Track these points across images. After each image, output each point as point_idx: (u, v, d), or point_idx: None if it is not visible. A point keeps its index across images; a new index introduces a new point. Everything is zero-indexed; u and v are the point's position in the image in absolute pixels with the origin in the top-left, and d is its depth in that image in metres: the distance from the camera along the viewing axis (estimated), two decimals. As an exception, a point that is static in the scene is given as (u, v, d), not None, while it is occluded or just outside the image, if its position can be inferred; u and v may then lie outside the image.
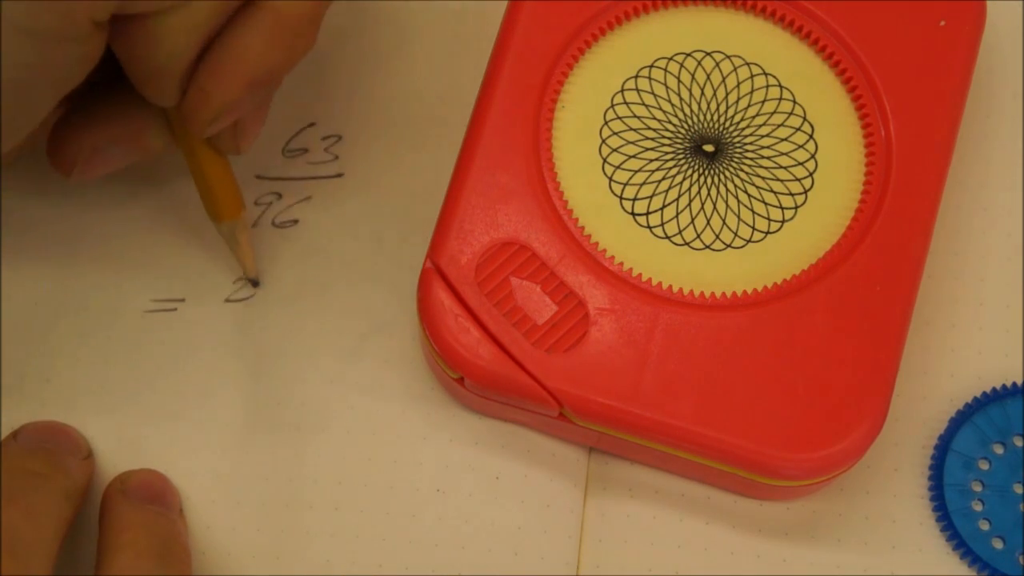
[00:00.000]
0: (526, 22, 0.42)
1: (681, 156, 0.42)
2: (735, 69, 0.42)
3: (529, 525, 0.43)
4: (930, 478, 0.43)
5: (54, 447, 0.42)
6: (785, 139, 0.42)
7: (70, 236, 0.45)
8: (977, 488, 0.43)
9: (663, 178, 0.41)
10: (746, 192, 0.41)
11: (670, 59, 0.42)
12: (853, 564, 0.42)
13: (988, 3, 0.43)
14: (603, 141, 0.42)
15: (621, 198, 0.41)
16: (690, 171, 0.41)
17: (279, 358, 0.44)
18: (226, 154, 0.42)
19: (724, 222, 0.41)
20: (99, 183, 0.44)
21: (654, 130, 0.42)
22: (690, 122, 0.42)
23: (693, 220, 0.41)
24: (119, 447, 0.44)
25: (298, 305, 0.45)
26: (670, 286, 0.40)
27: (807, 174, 0.42)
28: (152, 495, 0.42)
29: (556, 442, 0.43)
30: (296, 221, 0.46)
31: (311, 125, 0.46)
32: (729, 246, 0.41)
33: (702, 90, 0.42)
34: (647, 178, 0.41)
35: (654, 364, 0.39)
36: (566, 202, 0.41)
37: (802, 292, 0.40)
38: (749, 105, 0.42)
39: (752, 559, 0.43)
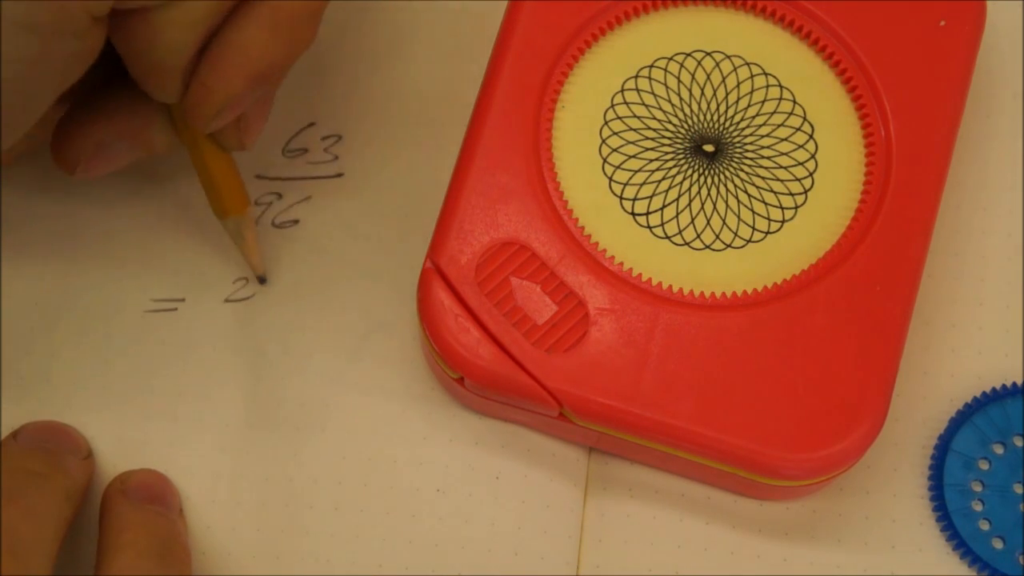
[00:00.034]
0: (526, 22, 0.42)
1: (681, 156, 0.42)
2: (735, 69, 0.42)
3: (529, 525, 0.43)
4: (930, 478, 0.43)
5: (54, 447, 0.42)
6: (785, 139, 0.42)
7: (70, 236, 0.45)
8: (977, 488, 0.43)
9: (663, 178, 0.41)
10: (746, 192, 0.41)
11: (670, 59, 0.42)
12: (853, 564, 0.42)
13: (988, 3, 0.43)
14: (603, 141, 0.42)
15: (621, 198, 0.41)
16: (690, 171, 0.41)
17: (279, 358, 0.44)
18: (230, 150, 0.42)
19: (724, 222, 0.41)
20: (99, 182, 0.44)
21: (654, 130, 0.42)
22: (690, 122, 0.42)
23: (693, 220, 0.41)
24: (119, 447, 0.44)
25: (298, 305, 0.45)
26: (670, 286, 0.40)
27: (807, 174, 0.42)
28: (152, 495, 0.42)
29: (556, 442, 0.43)
30: (296, 221, 0.46)
31: (311, 125, 0.46)
32: (729, 246, 0.41)
33: (702, 90, 0.42)
34: (647, 178, 0.41)
35: (654, 364, 0.39)
36: (566, 202, 0.41)
37: (802, 292, 0.40)
38: (749, 105, 0.42)
39: (752, 559, 0.43)
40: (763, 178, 0.41)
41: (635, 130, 0.42)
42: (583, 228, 0.41)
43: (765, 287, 0.40)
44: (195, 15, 0.36)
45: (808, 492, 0.42)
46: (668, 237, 0.41)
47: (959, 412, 0.43)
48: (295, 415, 0.44)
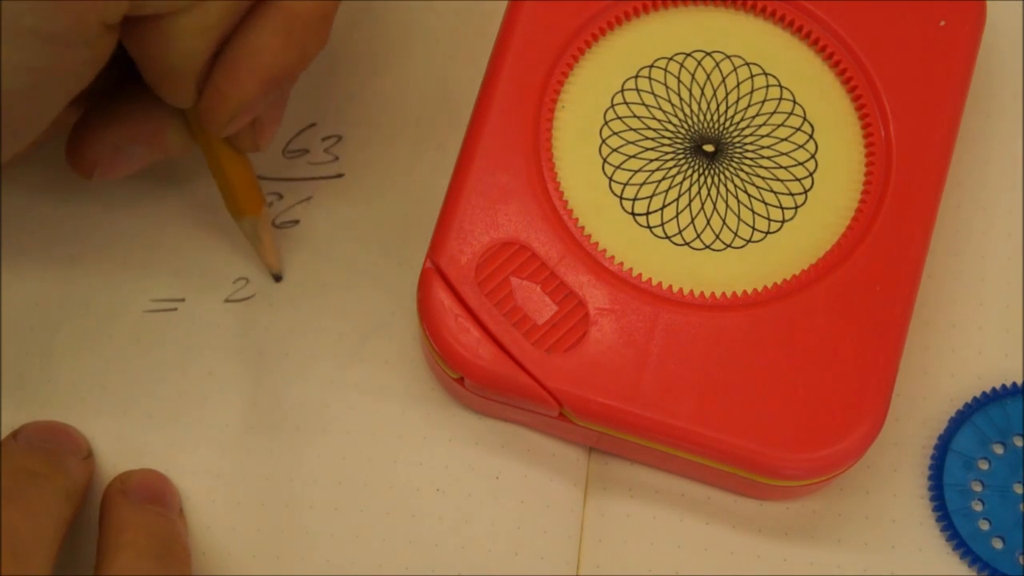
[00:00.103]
0: (526, 22, 0.42)
1: (681, 156, 0.42)
2: (735, 69, 0.42)
3: (529, 525, 0.43)
4: (930, 478, 0.43)
5: (54, 447, 0.42)
6: (785, 139, 0.42)
7: (70, 236, 0.45)
8: (977, 488, 0.43)
9: (663, 178, 0.41)
10: (746, 192, 0.41)
11: (670, 59, 0.42)
12: (853, 564, 0.42)
13: (988, 3, 0.43)
14: (603, 141, 0.42)
15: (621, 198, 0.41)
16: (690, 171, 0.41)
17: (279, 358, 0.44)
18: (245, 151, 0.42)
19: (724, 222, 0.41)
20: (99, 184, 0.44)
21: (654, 130, 0.42)
22: (690, 122, 0.42)
23: (693, 220, 0.41)
24: (119, 447, 0.44)
25: (298, 305, 0.45)
26: (670, 286, 0.40)
27: (807, 174, 0.42)
28: (152, 495, 0.42)
29: (556, 442, 0.43)
30: (297, 222, 0.46)
31: (311, 126, 0.46)
32: (729, 246, 0.41)
33: (702, 90, 0.42)
34: (647, 178, 0.41)
35: (654, 364, 0.39)
36: (566, 202, 0.41)
37: (802, 292, 0.40)
38: (749, 105, 0.42)
39: (752, 559, 0.43)
40: (763, 178, 0.41)
41: (635, 130, 0.42)
42: (583, 228, 0.41)
43: (765, 287, 0.40)
44: (208, 21, 0.36)
45: (808, 492, 0.42)
46: (668, 237, 0.41)
47: (959, 412, 0.43)
48: (295, 415, 0.44)
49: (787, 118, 0.42)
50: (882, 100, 0.42)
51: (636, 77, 0.42)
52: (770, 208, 0.41)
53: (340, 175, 0.46)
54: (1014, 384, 0.43)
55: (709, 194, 0.41)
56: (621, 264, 0.41)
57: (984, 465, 0.43)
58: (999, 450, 0.43)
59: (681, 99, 0.42)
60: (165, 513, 0.42)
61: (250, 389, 0.44)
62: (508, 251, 0.40)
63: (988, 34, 0.43)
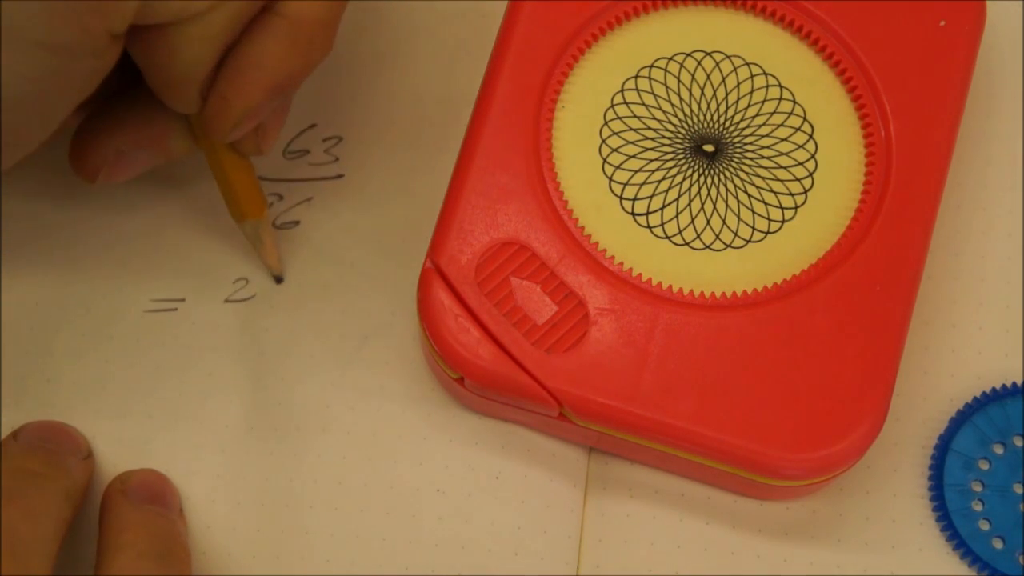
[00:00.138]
0: (526, 22, 0.42)
1: (681, 156, 0.42)
2: (735, 69, 0.42)
3: (529, 525, 0.43)
4: (930, 478, 0.43)
5: (54, 447, 0.42)
6: (785, 139, 0.42)
7: (71, 236, 0.46)
8: (977, 488, 0.43)
9: (663, 178, 0.41)
10: (746, 192, 0.41)
11: (670, 59, 0.42)
12: (853, 564, 0.42)
13: (988, 3, 0.43)
14: (603, 141, 0.42)
15: (621, 198, 0.41)
16: (690, 171, 0.41)
17: (279, 358, 0.44)
18: (248, 155, 0.42)
19: (724, 222, 0.41)
20: (100, 186, 0.44)
21: (654, 130, 0.42)
22: (690, 122, 0.42)
23: (693, 220, 0.41)
24: (119, 447, 0.44)
25: (298, 305, 0.45)
26: (670, 286, 0.40)
27: (807, 174, 0.42)
28: (152, 495, 0.42)
29: (556, 442, 0.43)
30: (297, 222, 0.46)
31: (312, 126, 0.47)
32: (729, 246, 0.41)
33: (702, 90, 0.42)
34: (647, 178, 0.41)
35: (654, 364, 0.39)
36: (566, 202, 0.41)
37: (802, 292, 0.40)
38: (749, 105, 0.42)
39: (752, 559, 0.43)
40: (763, 178, 0.41)
41: (635, 130, 0.42)
42: (583, 228, 0.41)
43: (765, 287, 0.40)
44: (213, 29, 0.36)
45: (808, 492, 0.42)
46: (668, 237, 0.41)
47: (959, 412, 0.43)
48: (295, 415, 0.44)
49: (787, 118, 0.42)
50: (882, 100, 0.42)
51: (636, 77, 0.42)
52: (770, 208, 0.41)
53: (340, 176, 0.46)
54: (1014, 384, 0.43)
55: (709, 194, 0.41)
56: (621, 264, 0.41)
57: (984, 465, 0.43)
58: (999, 450, 0.43)
59: (681, 99, 0.42)
60: (165, 513, 0.42)
61: (250, 389, 0.44)
62: (508, 251, 0.40)
63: (988, 34, 0.43)
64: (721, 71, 0.42)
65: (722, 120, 0.42)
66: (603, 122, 0.42)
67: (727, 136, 0.42)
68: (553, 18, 0.42)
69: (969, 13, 0.42)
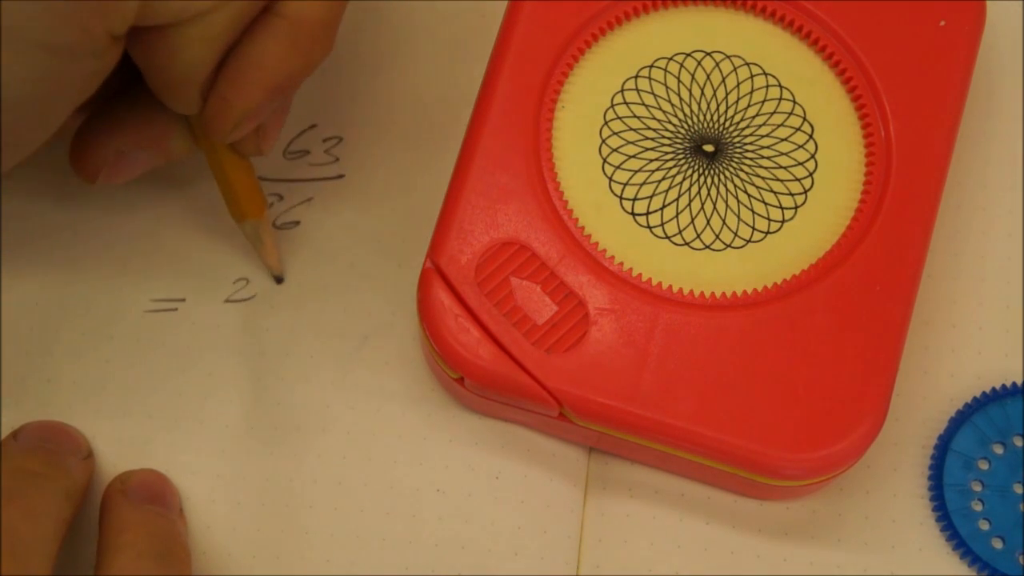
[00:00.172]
0: (526, 22, 0.42)
1: (681, 156, 0.42)
2: (735, 69, 0.42)
3: (529, 525, 0.43)
4: (930, 478, 0.43)
5: (54, 447, 0.42)
6: (785, 139, 0.42)
7: (71, 236, 0.46)
8: (977, 488, 0.43)
9: (663, 178, 0.41)
10: (746, 192, 0.41)
11: (670, 59, 0.42)
12: (853, 564, 0.42)
13: (988, 3, 0.43)
14: (603, 141, 0.42)
15: (621, 198, 0.41)
16: (690, 171, 0.41)
17: (279, 358, 0.44)
18: (248, 156, 0.42)
19: (724, 222, 0.41)
20: (100, 186, 0.44)
21: (654, 130, 0.42)
22: (690, 122, 0.42)
23: (693, 220, 0.41)
24: (119, 447, 0.44)
25: (298, 305, 0.45)
26: (670, 286, 0.40)
27: (807, 174, 0.42)
28: (152, 495, 0.42)
29: (556, 442, 0.43)
30: (297, 222, 0.46)
31: (312, 127, 0.47)
32: (729, 246, 0.41)
33: (702, 90, 0.42)
34: (647, 178, 0.41)
35: (654, 364, 0.39)
36: (566, 202, 0.41)
37: (802, 292, 0.40)
38: (749, 105, 0.42)
39: (752, 559, 0.43)
40: (763, 178, 0.41)
41: (635, 130, 0.42)
42: (583, 228, 0.41)
43: (765, 287, 0.40)
44: (214, 31, 0.36)
45: (808, 492, 0.42)
46: (668, 237, 0.41)
47: (959, 412, 0.43)
48: (295, 415, 0.44)
49: (787, 118, 0.42)
50: (882, 100, 0.42)
51: (636, 77, 0.42)
52: (770, 208, 0.41)
53: (341, 176, 0.46)
54: (1014, 384, 0.43)
55: (709, 194, 0.41)
56: (621, 264, 0.41)
57: (984, 465, 0.43)
58: (999, 450, 0.43)
59: (681, 99, 0.42)
60: (165, 513, 0.42)
61: (250, 389, 0.44)
62: (508, 251, 0.40)
63: (988, 34, 0.43)
64: (721, 71, 0.42)
65: (722, 120, 0.42)
66: (603, 122, 0.42)
67: (727, 136, 0.42)
68: (553, 18, 0.42)
69: (969, 13, 0.42)
